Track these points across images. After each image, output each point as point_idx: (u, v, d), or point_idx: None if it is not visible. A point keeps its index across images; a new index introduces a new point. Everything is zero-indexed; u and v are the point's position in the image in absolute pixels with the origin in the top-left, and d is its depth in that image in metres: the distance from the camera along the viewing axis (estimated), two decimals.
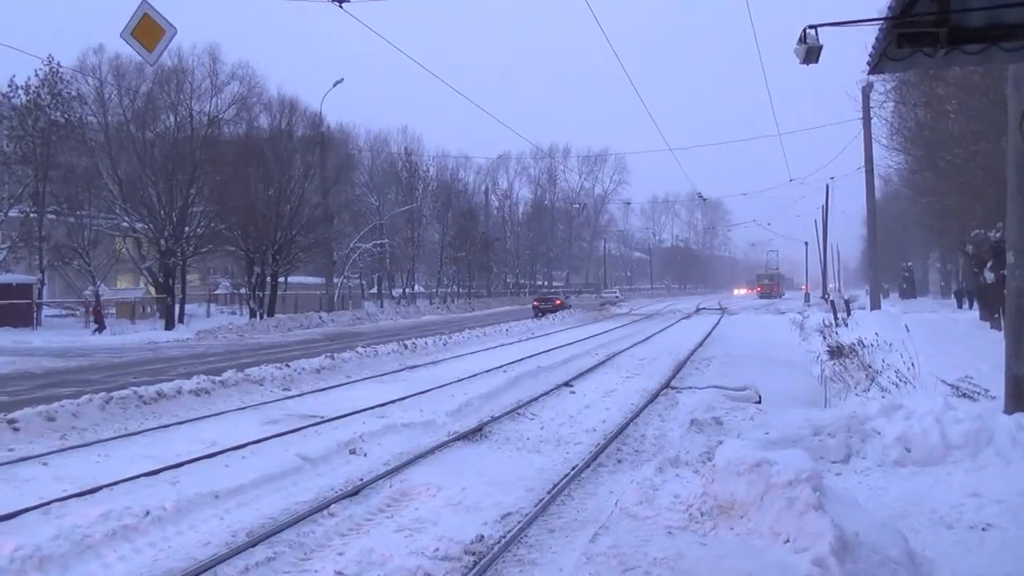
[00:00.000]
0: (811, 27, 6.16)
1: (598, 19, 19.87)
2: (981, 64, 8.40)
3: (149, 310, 45.13)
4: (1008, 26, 6.30)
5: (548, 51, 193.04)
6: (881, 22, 6.04)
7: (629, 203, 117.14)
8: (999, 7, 5.90)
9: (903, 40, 6.23)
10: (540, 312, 54.29)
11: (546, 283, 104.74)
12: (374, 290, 70.93)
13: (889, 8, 5.83)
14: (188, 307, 44.79)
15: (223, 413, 14.33)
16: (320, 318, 44.83)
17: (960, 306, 38.40)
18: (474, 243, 74.47)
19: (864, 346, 17.14)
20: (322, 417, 13.58)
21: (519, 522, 7.81)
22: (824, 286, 69.78)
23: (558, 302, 58.99)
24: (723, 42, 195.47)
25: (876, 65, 6.75)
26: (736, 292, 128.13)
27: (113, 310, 43.49)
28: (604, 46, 21.16)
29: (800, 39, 6.21)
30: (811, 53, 6.28)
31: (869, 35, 6.56)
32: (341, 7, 15.45)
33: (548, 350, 26.44)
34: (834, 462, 9.67)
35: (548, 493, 8.89)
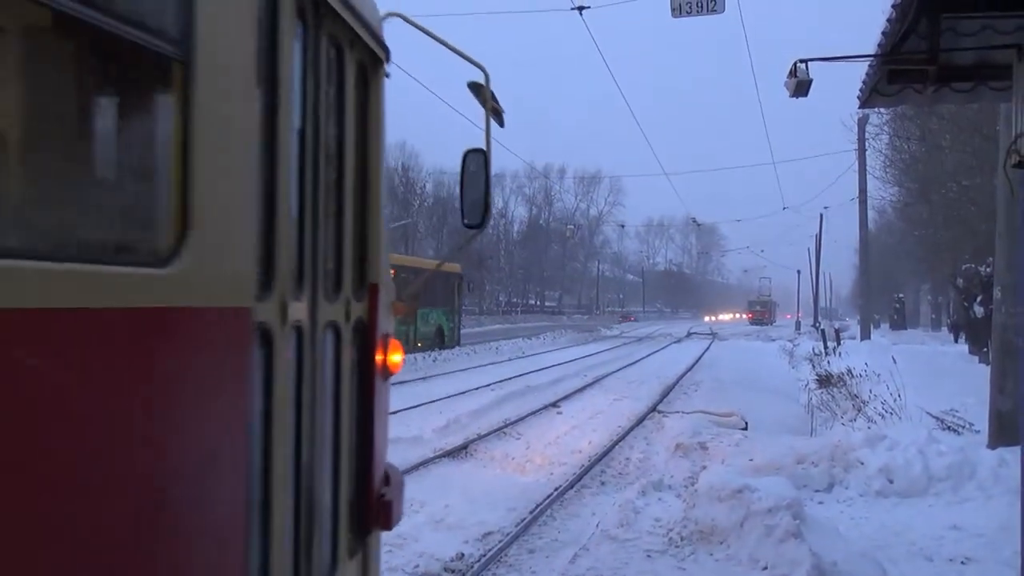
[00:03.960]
0: (801, 61, 6.25)
1: (597, 42, 20.03)
2: (970, 102, 8.51)
3: None
4: (997, 66, 6.39)
5: (546, 71, 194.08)
6: (872, 58, 6.13)
7: (623, 225, 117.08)
8: (988, 48, 6.00)
9: (893, 76, 6.33)
10: (623, 321, 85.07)
11: (539, 303, 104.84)
12: None
13: (879, 45, 5.92)
14: None
15: None
16: None
17: (956, 339, 38.54)
18: (468, 260, 74.55)
19: (852, 376, 17.22)
20: None
21: (500, 541, 7.82)
22: (815, 315, 69.91)
23: (631, 319, 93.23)
24: (719, 69, 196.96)
25: (867, 99, 6.85)
26: (707, 319, 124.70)
27: None
28: (602, 68, 21.28)
29: (790, 73, 6.30)
30: (801, 87, 6.37)
31: (864, 68, 6.66)
32: None
33: (537, 370, 26.48)
34: (817, 491, 9.70)
35: (531, 513, 8.90)
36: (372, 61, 3.66)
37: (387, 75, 3.85)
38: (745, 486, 7.01)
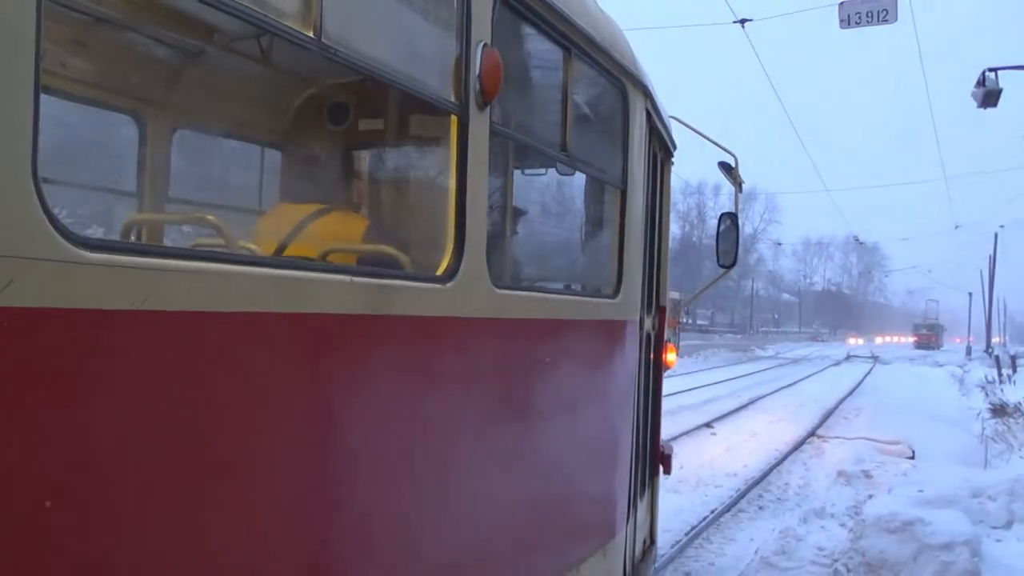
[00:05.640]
0: (991, 70, 5.90)
1: (759, 55, 19.61)
2: None
3: None
4: None
5: (705, 84, 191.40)
6: None
7: (780, 244, 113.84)
8: None
9: None
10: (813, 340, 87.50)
11: (691, 320, 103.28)
12: None
13: None
14: None
15: None
16: None
17: None
18: None
19: None
20: None
21: (655, 562, 7.69)
22: (988, 340, 65.98)
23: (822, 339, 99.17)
24: (886, 80, 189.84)
25: None
26: (851, 341, 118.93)
27: None
28: (763, 82, 20.86)
29: (978, 82, 5.95)
30: (990, 97, 6.01)
31: None
32: None
33: (690, 389, 26.03)
34: (994, 527, 9.08)
35: (686, 535, 8.74)
36: (666, 154, 5.44)
37: (673, 162, 5.57)
38: (917, 518, 6.66)
